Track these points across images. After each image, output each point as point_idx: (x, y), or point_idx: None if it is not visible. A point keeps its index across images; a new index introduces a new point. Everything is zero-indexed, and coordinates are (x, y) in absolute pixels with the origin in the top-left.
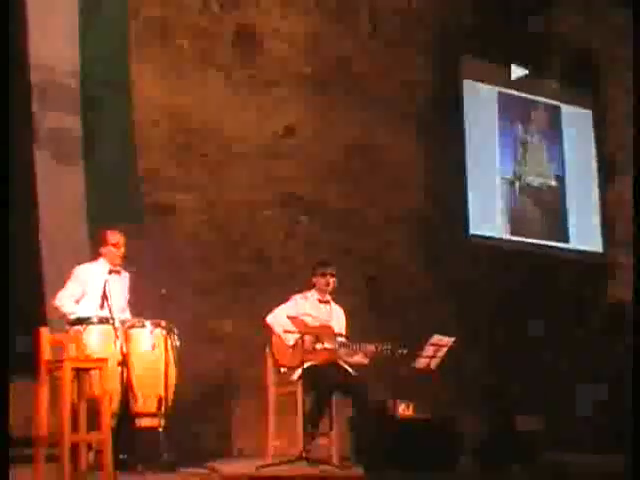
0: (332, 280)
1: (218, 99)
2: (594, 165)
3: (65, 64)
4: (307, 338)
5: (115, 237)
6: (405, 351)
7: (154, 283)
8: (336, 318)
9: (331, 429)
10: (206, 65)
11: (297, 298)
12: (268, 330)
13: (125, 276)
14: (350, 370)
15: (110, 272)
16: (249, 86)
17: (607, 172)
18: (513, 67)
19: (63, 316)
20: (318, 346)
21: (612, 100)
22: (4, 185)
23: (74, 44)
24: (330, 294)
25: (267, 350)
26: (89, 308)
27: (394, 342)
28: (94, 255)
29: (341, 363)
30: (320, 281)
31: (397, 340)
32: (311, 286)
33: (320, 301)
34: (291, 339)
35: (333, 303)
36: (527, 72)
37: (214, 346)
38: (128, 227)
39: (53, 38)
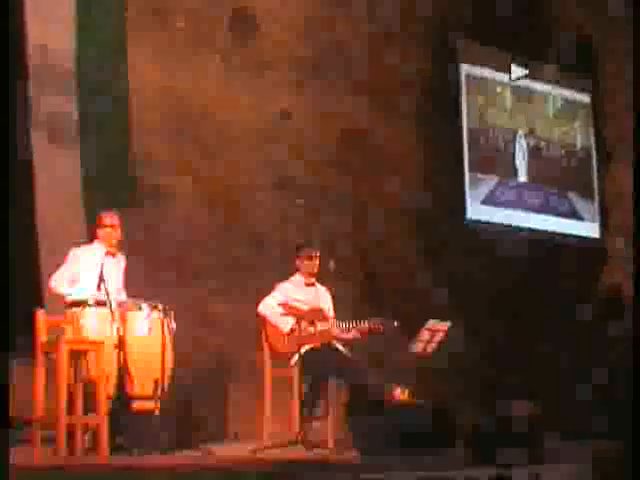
0: (317, 262)
1: (214, 82)
2: (593, 153)
3: (62, 48)
4: (302, 322)
5: (111, 219)
6: (397, 323)
7: (148, 266)
8: (324, 299)
9: (327, 413)
10: (202, 48)
11: (283, 285)
12: (261, 319)
13: (121, 259)
14: (345, 351)
15: (106, 254)
16: (245, 70)
17: (604, 155)
18: (512, 55)
19: (57, 296)
20: (312, 329)
21: (610, 88)
22: (3, 170)
23: (71, 27)
24: (315, 276)
25: (263, 338)
26: (85, 290)
27: (386, 318)
28: (90, 238)
29: (337, 345)
30: (305, 264)
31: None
32: (295, 270)
33: (306, 284)
34: (287, 326)
35: (319, 285)
36: (526, 60)
37: (209, 330)
38: (124, 210)
39: (50, 22)
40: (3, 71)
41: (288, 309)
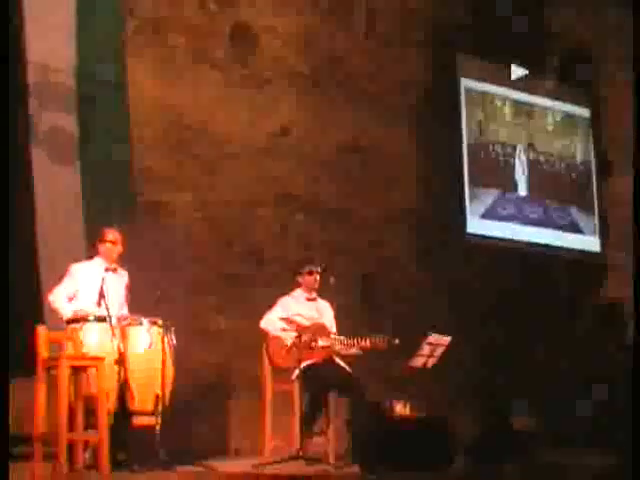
0: (318, 277)
1: (212, 97)
2: (593, 166)
3: (61, 63)
4: (304, 337)
5: (112, 235)
6: (397, 341)
7: (148, 282)
8: (325, 314)
9: (328, 428)
10: (201, 63)
11: (284, 300)
12: (263, 334)
13: (122, 274)
14: (347, 368)
15: (106, 270)
16: (245, 85)
17: (603, 168)
18: (510, 66)
19: (57, 312)
20: (313, 344)
21: (607, 98)
22: (3, 186)
23: (70, 43)
24: (316, 291)
25: (263, 349)
26: (85, 306)
27: (387, 335)
28: (90, 254)
29: (337, 360)
30: (307, 279)
31: (392, 336)
32: (296, 286)
33: (307, 299)
34: (288, 340)
35: (320, 299)
36: (524, 71)
37: (209, 344)
38: (123, 226)
39: (49, 37)
40: (3, 88)
41: (289, 324)
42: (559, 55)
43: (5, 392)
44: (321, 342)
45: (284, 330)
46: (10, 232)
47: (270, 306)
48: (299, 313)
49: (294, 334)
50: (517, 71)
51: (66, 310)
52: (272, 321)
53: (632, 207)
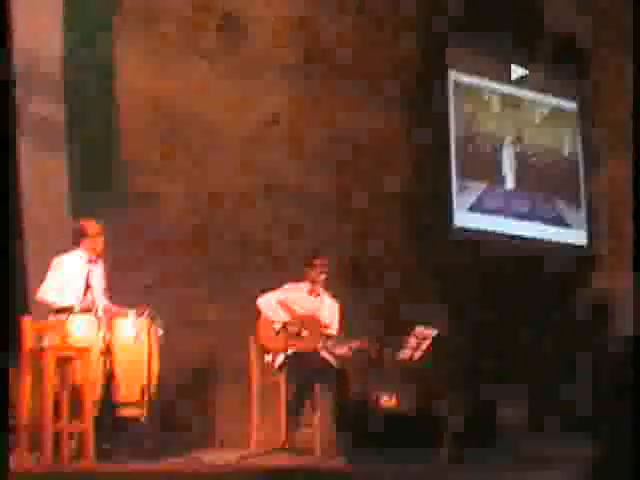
0: (322, 275)
1: (202, 86)
2: (581, 160)
3: (49, 50)
4: (292, 324)
5: (93, 228)
6: (390, 350)
7: (137, 271)
8: (327, 310)
9: (314, 420)
10: (190, 51)
11: (289, 286)
12: (256, 313)
13: (100, 265)
14: (331, 360)
15: (89, 261)
16: (234, 74)
17: (592, 161)
18: (498, 58)
19: (47, 306)
20: (302, 334)
21: (596, 86)
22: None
23: (58, 30)
24: (321, 285)
25: (251, 338)
26: (71, 297)
27: (380, 338)
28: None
29: (323, 353)
30: (314, 274)
31: (382, 325)
32: (302, 277)
33: (311, 293)
34: (278, 322)
35: (326, 296)
36: (513, 60)
37: (197, 335)
38: (111, 213)
39: (37, 24)
40: None
41: (285, 308)
42: (548, 47)
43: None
44: (308, 334)
45: (277, 311)
46: None
47: (262, 290)
48: (297, 302)
49: (285, 318)
50: (506, 64)
51: (57, 301)
52: (268, 300)
53: (632, 205)
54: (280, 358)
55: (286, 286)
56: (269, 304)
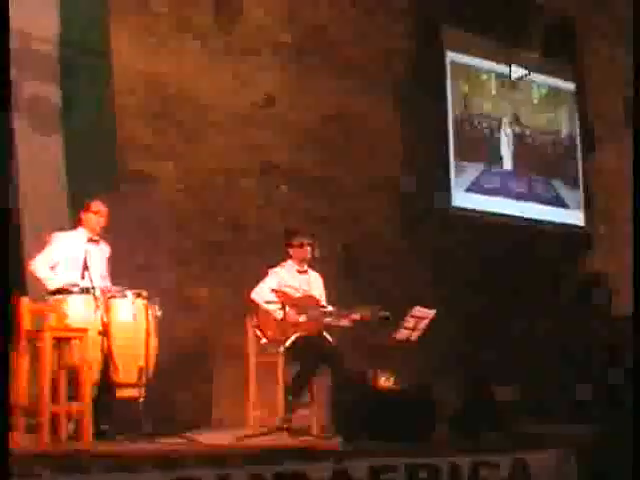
0: (309, 249)
1: (196, 66)
2: (578, 140)
3: (44, 31)
4: (291, 310)
5: (96, 206)
6: (387, 314)
7: (131, 250)
8: (315, 286)
9: (312, 400)
10: (184, 32)
11: (276, 271)
12: (253, 306)
13: (104, 247)
14: (330, 339)
15: (89, 241)
16: (228, 54)
17: (588, 142)
18: (494, 38)
19: (39, 282)
20: (302, 318)
21: (590, 69)
22: None
23: (53, 11)
24: (306, 262)
25: (247, 318)
26: (68, 277)
27: (376, 308)
28: (74, 223)
29: (325, 334)
30: (298, 252)
31: (375, 307)
32: (286, 257)
33: (299, 271)
34: (277, 312)
35: (310, 270)
36: (508, 42)
37: (191, 313)
38: (105, 195)
39: (32, 6)
40: None
41: (280, 295)
42: (544, 28)
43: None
44: (310, 314)
45: (271, 302)
46: None
47: (256, 274)
48: (290, 284)
49: (284, 306)
50: (502, 44)
51: (48, 280)
52: (262, 292)
53: (631, 196)
54: (287, 343)
55: (273, 271)
56: (264, 295)
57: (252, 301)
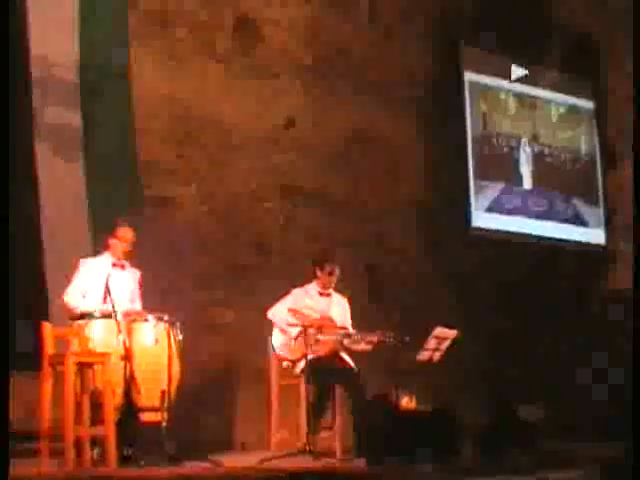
0: (336, 275)
1: (218, 89)
2: (597, 158)
3: (65, 57)
4: (309, 330)
5: (123, 232)
6: (408, 339)
7: (155, 275)
8: (338, 308)
9: (334, 422)
10: (206, 55)
11: (296, 292)
12: (270, 325)
13: (132, 271)
14: (350, 362)
15: (113, 265)
16: (249, 76)
17: (608, 159)
18: (513, 58)
19: (70, 311)
20: (320, 337)
21: (612, 85)
22: (4, 181)
23: (74, 36)
24: (332, 287)
25: (269, 340)
26: (92, 302)
27: (396, 331)
28: (96, 248)
29: (343, 355)
30: (325, 278)
31: (398, 328)
32: (312, 278)
33: (321, 294)
34: (293, 332)
35: (335, 293)
36: (527, 61)
37: (215, 337)
38: (129, 219)
39: (53, 31)
40: (4, 82)
41: (297, 315)
42: (563, 46)
43: (5, 390)
44: (327, 335)
45: (289, 324)
46: (15, 228)
47: (280, 297)
48: (309, 305)
49: (300, 326)
50: (521, 63)
51: (80, 305)
52: (280, 312)
53: (633, 197)
54: (300, 365)
55: (293, 292)
56: (281, 315)
57: (269, 320)
